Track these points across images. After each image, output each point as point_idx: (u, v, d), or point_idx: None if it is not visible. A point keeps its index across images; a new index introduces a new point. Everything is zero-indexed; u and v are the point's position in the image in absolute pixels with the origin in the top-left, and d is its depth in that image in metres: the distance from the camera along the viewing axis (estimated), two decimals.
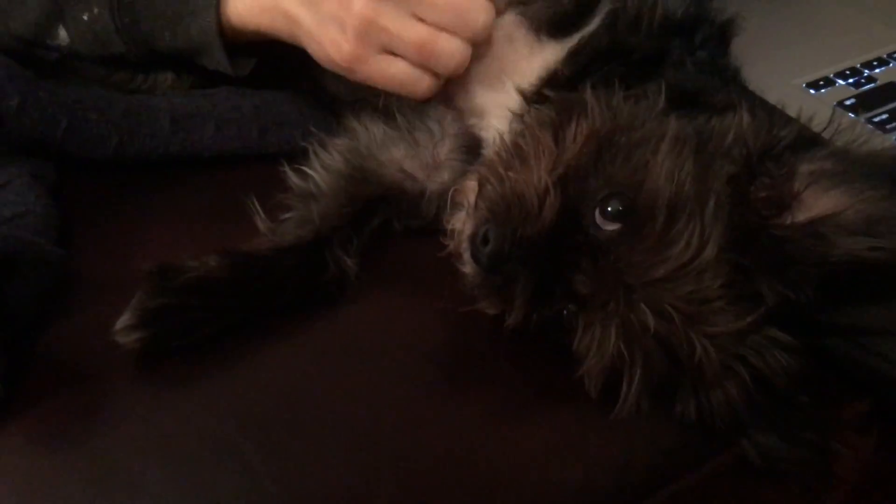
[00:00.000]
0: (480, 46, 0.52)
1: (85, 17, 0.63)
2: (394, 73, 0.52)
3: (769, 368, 0.47)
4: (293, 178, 0.56)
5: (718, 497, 0.50)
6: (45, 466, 0.42)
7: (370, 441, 0.44)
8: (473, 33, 0.50)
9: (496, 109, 0.53)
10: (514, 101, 0.52)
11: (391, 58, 0.52)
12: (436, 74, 0.51)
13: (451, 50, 0.50)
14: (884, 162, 0.46)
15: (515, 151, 0.49)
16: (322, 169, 0.56)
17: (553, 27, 0.53)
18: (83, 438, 0.43)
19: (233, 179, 0.58)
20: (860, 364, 0.53)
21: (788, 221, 0.47)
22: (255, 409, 0.44)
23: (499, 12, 0.52)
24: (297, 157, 0.57)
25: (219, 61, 0.59)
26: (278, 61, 0.63)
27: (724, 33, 0.56)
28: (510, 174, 0.47)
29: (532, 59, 0.54)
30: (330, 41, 0.52)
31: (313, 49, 0.54)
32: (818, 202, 0.46)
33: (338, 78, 0.58)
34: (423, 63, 0.51)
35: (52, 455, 0.42)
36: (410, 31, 0.50)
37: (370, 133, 0.57)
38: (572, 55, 0.52)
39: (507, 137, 0.50)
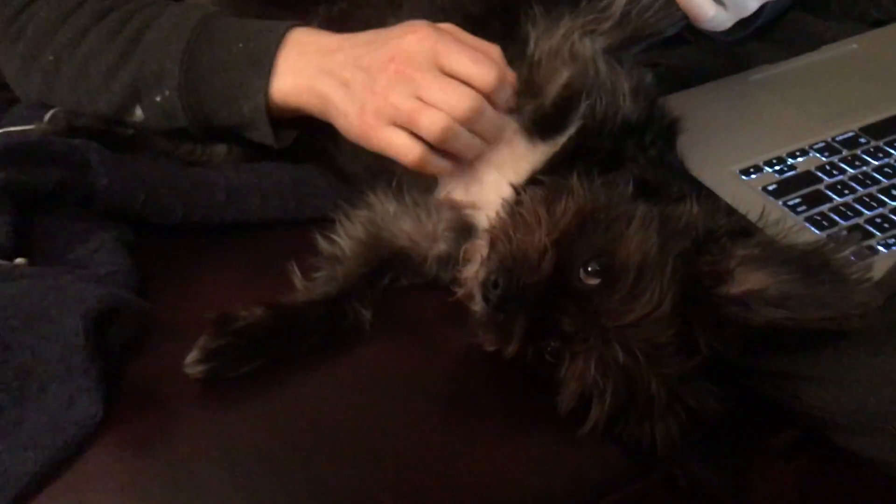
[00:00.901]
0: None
1: (157, 99, 0.74)
2: (395, 142, 0.64)
3: (701, 408, 0.59)
4: (322, 244, 0.68)
5: None
6: (132, 471, 0.55)
7: (379, 455, 0.57)
8: (464, 111, 0.62)
9: (488, 202, 0.65)
10: (506, 192, 0.64)
11: (395, 129, 0.65)
12: (428, 146, 0.64)
13: (437, 121, 0.62)
14: (798, 254, 0.58)
15: (519, 219, 0.61)
16: (346, 236, 0.68)
17: (536, 129, 0.66)
18: (161, 449, 0.56)
19: (274, 242, 0.70)
20: (780, 402, 0.65)
21: (724, 292, 0.58)
22: (291, 427, 0.57)
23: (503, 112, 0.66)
24: (327, 224, 0.69)
25: (265, 134, 0.72)
26: (309, 145, 0.78)
27: (670, 132, 0.69)
28: (517, 235, 0.60)
29: (520, 158, 0.67)
30: (353, 117, 0.66)
31: (339, 122, 0.68)
32: (747, 279, 0.57)
33: (355, 158, 0.72)
34: (411, 128, 0.63)
35: (137, 462, 0.55)
36: (410, 107, 0.63)
37: (385, 208, 0.69)
38: (555, 156, 0.65)
39: (509, 209, 0.63)
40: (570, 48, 0.67)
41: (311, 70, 0.67)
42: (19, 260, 0.63)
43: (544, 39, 0.68)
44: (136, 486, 0.54)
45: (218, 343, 0.59)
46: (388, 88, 0.63)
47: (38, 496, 0.53)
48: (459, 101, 0.62)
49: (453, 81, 0.62)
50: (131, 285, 0.62)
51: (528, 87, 0.67)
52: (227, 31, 0.71)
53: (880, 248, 0.61)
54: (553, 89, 0.66)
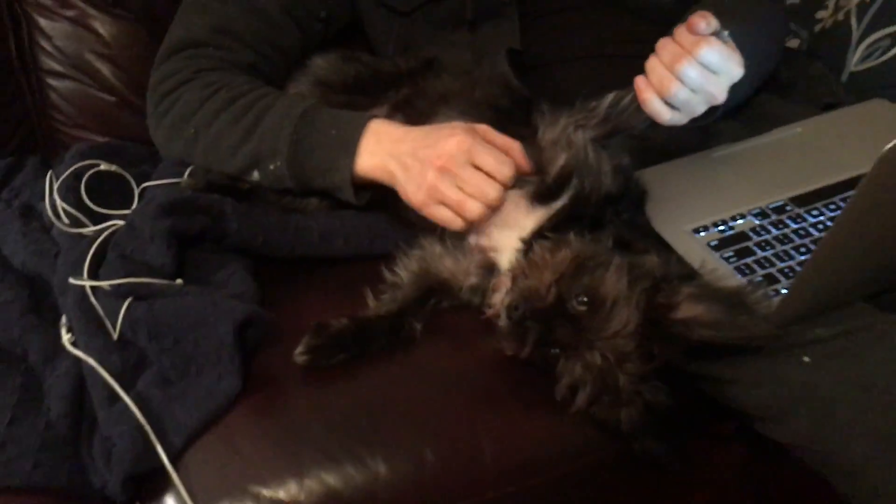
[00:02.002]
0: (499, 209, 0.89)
1: (271, 167, 0.98)
2: (442, 215, 0.90)
3: (654, 400, 0.81)
4: (387, 274, 0.93)
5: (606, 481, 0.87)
6: (259, 424, 0.81)
7: (423, 421, 0.82)
8: (489, 200, 0.88)
9: (506, 248, 0.91)
10: (517, 243, 0.89)
11: (442, 206, 0.90)
12: (466, 219, 0.89)
13: (474, 208, 0.87)
14: (725, 293, 0.80)
15: (532, 263, 0.85)
16: (404, 269, 0.93)
17: (540, 198, 0.91)
18: (279, 410, 0.81)
19: (354, 272, 0.96)
20: (716, 398, 0.90)
21: (673, 317, 0.80)
22: (364, 400, 0.83)
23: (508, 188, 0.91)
24: (391, 259, 0.94)
25: (348, 196, 0.97)
26: (380, 199, 1.03)
27: (640, 201, 0.95)
28: (531, 275, 0.84)
29: (528, 218, 0.91)
30: (412, 192, 0.91)
31: (402, 193, 0.93)
32: (689, 310, 0.80)
33: (415, 213, 0.98)
34: (458, 212, 0.89)
35: (262, 419, 0.81)
36: (454, 195, 0.88)
37: (432, 249, 0.94)
38: (551, 217, 0.90)
39: (524, 255, 0.87)
40: (566, 138, 0.92)
41: (383, 153, 0.93)
42: (178, 280, 0.90)
43: (549, 131, 0.94)
44: (262, 434, 0.80)
45: (316, 342, 0.84)
46: (436, 180, 0.88)
47: (200, 439, 0.79)
48: (487, 192, 0.87)
49: (482, 176, 0.87)
50: (257, 301, 0.89)
51: (535, 166, 0.92)
52: (324, 120, 0.97)
53: (784, 291, 0.85)
54: (553, 169, 0.91)
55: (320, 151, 0.96)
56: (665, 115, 0.90)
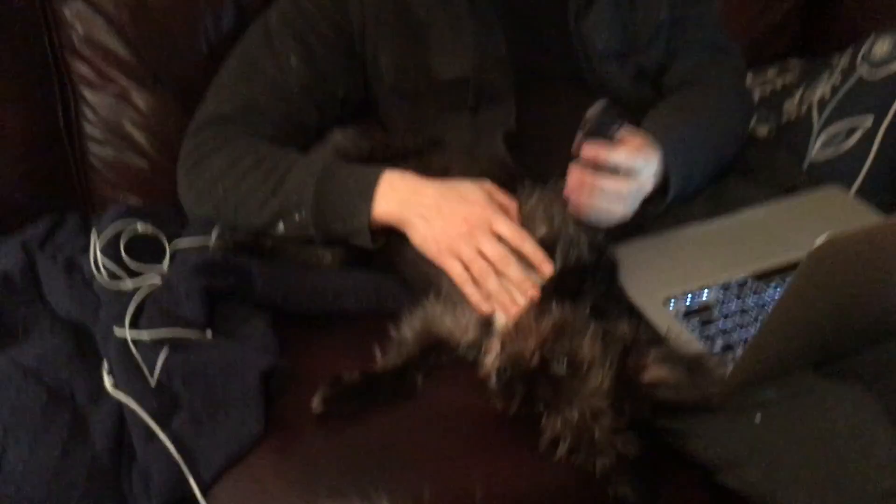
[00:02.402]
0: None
1: (296, 217, 1.10)
2: (454, 269, 1.04)
3: (627, 451, 0.90)
4: (393, 331, 1.03)
5: None
6: (279, 462, 0.91)
7: (424, 459, 0.92)
8: (497, 263, 1.02)
9: (496, 318, 1.02)
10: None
11: (456, 261, 1.03)
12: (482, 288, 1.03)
13: (482, 269, 1.02)
14: (687, 358, 0.91)
15: (519, 329, 0.96)
16: (408, 327, 1.03)
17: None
18: (296, 451, 0.92)
19: (363, 328, 1.05)
20: (681, 451, 1.01)
21: (641, 379, 0.92)
22: (372, 443, 0.93)
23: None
24: (397, 317, 1.04)
25: (364, 240, 1.09)
26: (387, 263, 1.16)
27: (613, 273, 1.07)
28: (518, 340, 0.95)
29: None
30: (430, 241, 1.05)
31: (416, 240, 1.07)
32: (656, 371, 0.91)
33: (416, 275, 1.10)
34: (476, 279, 1.03)
35: (281, 458, 0.92)
36: (476, 263, 1.03)
37: (433, 309, 1.04)
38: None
39: (516, 323, 0.98)
40: (543, 210, 1.05)
41: (399, 200, 1.07)
42: (209, 333, 1.02)
43: (525, 204, 1.07)
44: (281, 471, 0.90)
45: (330, 393, 0.94)
46: (459, 238, 1.03)
47: (227, 474, 0.90)
48: (500, 256, 1.02)
49: (497, 242, 1.03)
50: (277, 352, 1.00)
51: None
52: (342, 174, 1.11)
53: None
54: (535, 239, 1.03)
55: (340, 199, 1.09)
56: (591, 218, 1.07)
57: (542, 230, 1.05)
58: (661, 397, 0.92)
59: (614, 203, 1.08)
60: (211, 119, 1.21)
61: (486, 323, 1.04)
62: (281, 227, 1.13)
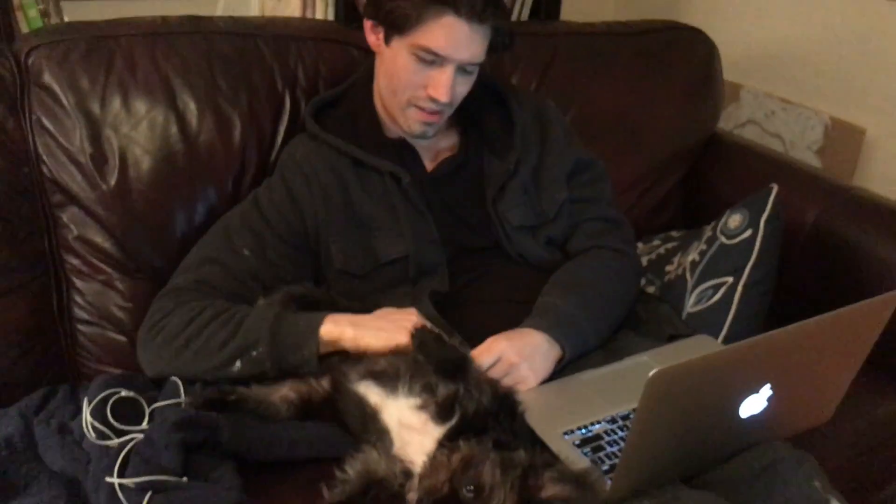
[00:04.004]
0: (410, 431, 1.21)
1: (254, 353, 1.29)
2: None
3: None
4: (338, 473, 1.14)
5: None
6: None
7: None
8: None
9: (417, 459, 1.16)
10: (426, 453, 1.13)
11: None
12: None
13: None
14: (575, 475, 1.06)
15: (434, 466, 1.11)
16: (351, 469, 1.15)
17: (438, 419, 1.16)
18: None
19: (314, 469, 1.22)
20: None
21: (539, 496, 1.04)
22: None
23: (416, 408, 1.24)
24: (342, 460, 1.21)
25: (313, 366, 1.30)
26: (334, 419, 1.37)
27: (514, 412, 1.28)
28: (432, 475, 1.10)
29: (431, 436, 1.15)
30: (373, 337, 1.30)
31: (365, 344, 1.31)
32: (552, 489, 1.03)
33: (357, 425, 1.31)
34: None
35: None
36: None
37: (371, 454, 1.18)
38: (447, 432, 1.14)
39: (428, 461, 1.10)
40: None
41: (344, 324, 1.32)
42: (184, 478, 1.21)
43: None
44: None
45: None
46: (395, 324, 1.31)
47: None
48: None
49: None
50: (242, 491, 1.20)
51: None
52: (292, 317, 1.34)
53: None
54: (441, 394, 1.19)
55: (291, 334, 1.32)
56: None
57: (451, 388, 1.22)
58: None
59: (524, 380, 1.36)
60: (168, 292, 1.45)
61: (408, 471, 1.19)
62: (238, 365, 1.33)
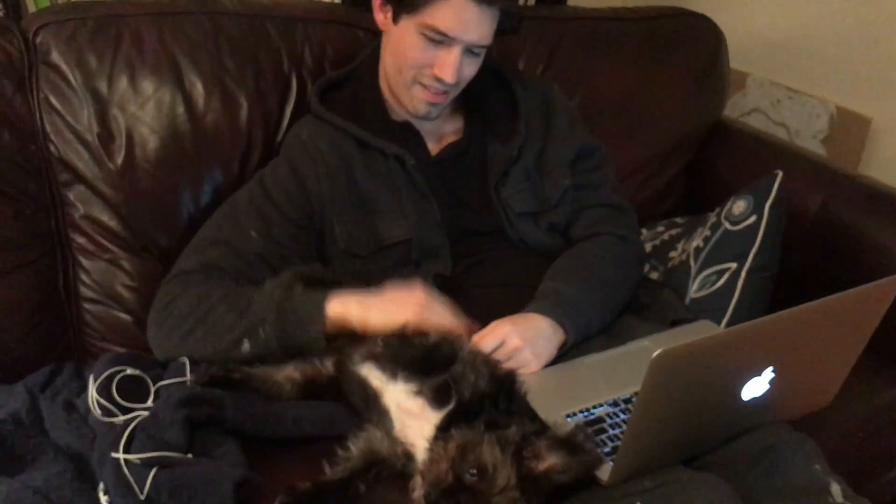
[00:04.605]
0: (409, 416, 1.21)
1: (261, 333, 1.31)
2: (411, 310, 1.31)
3: None
4: (340, 451, 1.18)
5: None
6: None
7: None
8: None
9: (417, 442, 1.18)
10: (426, 433, 1.16)
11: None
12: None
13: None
14: (564, 438, 1.10)
15: (434, 457, 1.10)
16: (354, 447, 1.18)
17: (434, 404, 1.17)
18: None
19: (317, 446, 1.23)
20: None
21: (540, 468, 1.10)
22: None
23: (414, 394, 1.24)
24: (344, 438, 1.23)
25: (321, 343, 1.31)
26: (337, 396, 1.38)
27: (511, 391, 1.26)
28: (434, 466, 1.09)
29: (429, 421, 1.17)
30: (379, 312, 1.31)
31: (372, 321, 1.31)
32: (549, 459, 1.08)
33: (360, 396, 1.32)
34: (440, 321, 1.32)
35: None
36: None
37: (374, 433, 1.20)
38: (445, 418, 1.16)
39: (428, 452, 1.13)
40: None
41: (350, 302, 1.33)
42: (189, 455, 1.22)
43: None
44: None
45: (287, 500, 1.12)
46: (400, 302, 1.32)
47: None
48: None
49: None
50: (246, 467, 1.21)
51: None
52: (298, 295, 1.34)
53: None
54: (434, 381, 1.19)
55: (298, 313, 1.33)
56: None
57: (441, 376, 1.22)
58: (557, 481, 1.11)
59: (527, 363, 1.37)
60: (176, 275, 1.46)
61: (409, 454, 1.21)
62: (246, 345, 1.33)
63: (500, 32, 1.51)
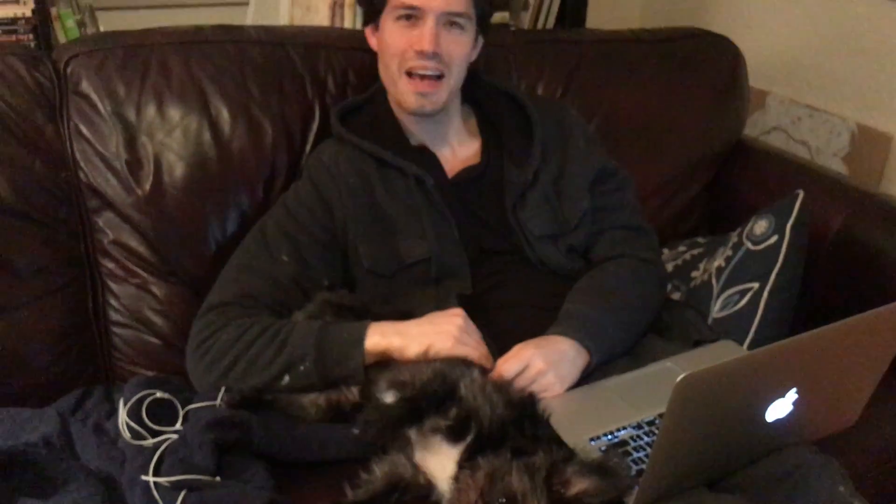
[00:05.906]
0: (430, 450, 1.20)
1: (301, 368, 1.31)
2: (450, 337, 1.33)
3: None
4: (363, 474, 1.19)
5: None
6: None
7: None
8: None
9: (437, 474, 1.19)
10: (448, 467, 1.16)
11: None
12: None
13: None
14: (596, 464, 1.10)
15: (461, 491, 1.10)
16: (377, 469, 1.18)
17: (450, 439, 1.17)
18: None
19: (341, 469, 1.23)
20: None
21: (567, 493, 1.07)
22: None
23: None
24: (367, 463, 1.22)
25: (360, 378, 1.32)
26: None
27: (534, 414, 1.27)
28: (462, 497, 1.09)
29: (448, 456, 1.17)
30: (416, 343, 1.32)
31: (410, 353, 1.33)
32: (579, 484, 1.07)
33: (382, 432, 1.32)
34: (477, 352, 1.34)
35: None
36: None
37: (398, 458, 1.21)
38: (465, 451, 1.15)
39: (455, 483, 1.13)
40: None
41: (390, 333, 1.34)
42: (217, 478, 1.24)
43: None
44: None
45: None
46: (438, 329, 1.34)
47: None
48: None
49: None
50: (273, 490, 1.23)
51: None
52: (336, 330, 1.35)
53: None
54: (451, 414, 1.18)
55: (338, 347, 1.34)
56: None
57: (451, 411, 1.20)
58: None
59: (551, 387, 1.37)
60: (213, 305, 1.47)
61: (430, 484, 1.22)
62: (287, 379, 1.34)
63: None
